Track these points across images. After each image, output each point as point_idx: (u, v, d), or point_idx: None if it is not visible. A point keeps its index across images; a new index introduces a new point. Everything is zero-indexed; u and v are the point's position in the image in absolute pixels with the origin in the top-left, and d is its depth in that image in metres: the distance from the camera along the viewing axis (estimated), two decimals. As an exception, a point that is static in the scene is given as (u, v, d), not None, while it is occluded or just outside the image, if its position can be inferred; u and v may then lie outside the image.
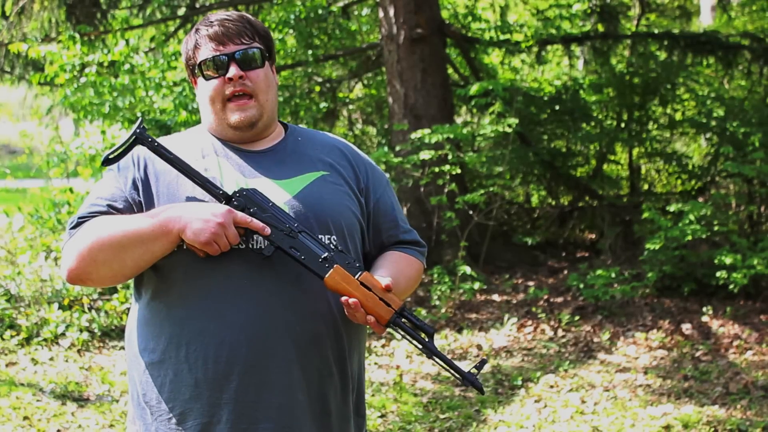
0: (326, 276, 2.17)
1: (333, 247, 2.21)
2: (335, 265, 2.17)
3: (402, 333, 2.19)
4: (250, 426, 2.23)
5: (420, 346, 2.20)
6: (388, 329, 2.22)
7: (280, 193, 2.28)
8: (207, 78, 2.28)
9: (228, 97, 2.28)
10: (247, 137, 2.34)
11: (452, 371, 2.21)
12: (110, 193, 2.27)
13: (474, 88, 8.38)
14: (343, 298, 2.16)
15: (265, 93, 2.32)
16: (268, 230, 2.16)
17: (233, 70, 2.25)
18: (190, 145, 2.35)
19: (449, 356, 6.69)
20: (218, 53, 2.26)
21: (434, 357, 2.20)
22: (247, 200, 2.19)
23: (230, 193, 2.20)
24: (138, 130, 2.23)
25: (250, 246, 2.20)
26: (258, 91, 2.30)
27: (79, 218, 2.24)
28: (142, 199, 2.26)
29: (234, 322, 2.20)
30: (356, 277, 2.17)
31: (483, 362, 2.20)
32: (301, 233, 2.19)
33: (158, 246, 2.16)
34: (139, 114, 8.17)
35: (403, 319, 2.19)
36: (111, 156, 2.25)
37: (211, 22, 2.29)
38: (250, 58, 2.28)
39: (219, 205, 2.16)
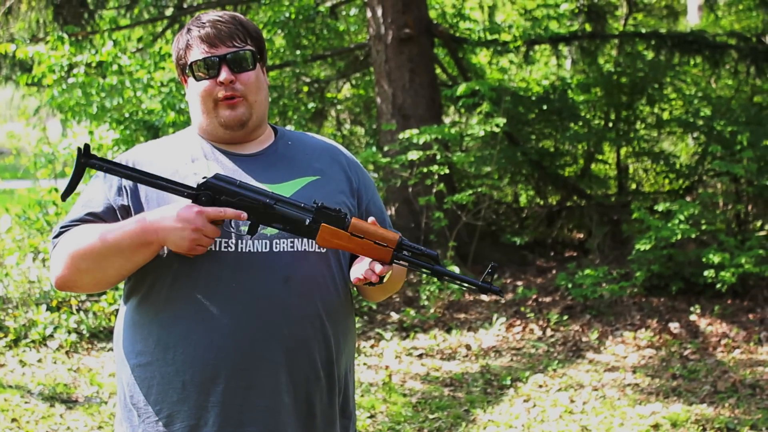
0: (316, 239, 2.17)
1: (314, 206, 2.17)
2: (321, 225, 2.15)
3: (406, 264, 2.19)
4: (236, 429, 2.23)
5: (427, 272, 2.19)
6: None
7: None
8: (198, 79, 2.28)
9: (219, 98, 2.28)
10: (237, 137, 2.34)
11: (466, 285, 2.22)
12: (94, 201, 2.27)
13: (461, 89, 8.39)
14: (362, 275, 2.17)
15: (255, 94, 2.32)
16: (244, 215, 2.14)
17: (224, 73, 2.25)
18: (179, 149, 2.35)
19: (437, 357, 6.71)
20: (209, 55, 2.26)
21: (444, 277, 2.20)
22: (213, 191, 2.16)
23: (195, 187, 2.16)
24: (83, 161, 2.15)
25: (232, 229, 2.21)
26: (248, 93, 2.30)
27: (61, 228, 2.25)
28: (129, 203, 2.26)
29: (221, 325, 2.21)
30: (346, 228, 2.16)
31: (494, 268, 2.18)
32: (278, 203, 2.18)
33: (140, 256, 2.17)
34: (126, 114, 8.15)
35: (404, 252, 2.18)
36: (66, 191, 2.20)
37: (203, 22, 2.29)
38: (242, 60, 2.27)
39: (188, 208, 2.12)
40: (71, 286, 2.27)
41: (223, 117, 2.29)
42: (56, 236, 2.25)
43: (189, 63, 2.28)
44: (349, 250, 2.17)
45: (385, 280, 2.18)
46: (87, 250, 2.16)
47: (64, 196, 2.19)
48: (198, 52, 2.27)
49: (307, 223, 2.16)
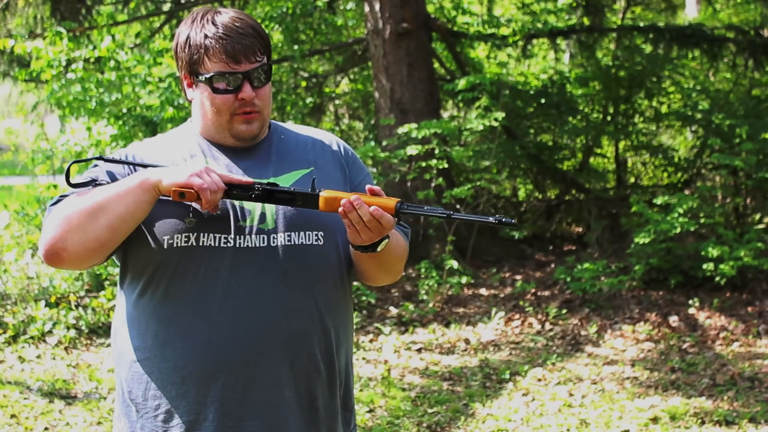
0: (319, 198, 2.17)
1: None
2: (320, 195, 2.17)
3: (413, 215, 2.19)
4: (236, 424, 2.23)
5: (437, 216, 2.18)
6: None
7: None
8: (216, 91, 2.25)
9: (236, 112, 2.27)
10: (244, 146, 2.35)
11: (479, 220, 2.19)
12: (94, 174, 2.26)
13: (462, 83, 8.38)
14: (342, 204, 2.14)
15: (268, 107, 2.32)
16: (249, 179, 2.17)
17: (248, 91, 2.23)
18: (177, 147, 2.34)
19: (436, 351, 6.72)
20: (233, 71, 2.22)
21: (455, 218, 2.19)
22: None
23: None
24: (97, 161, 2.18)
25: (243, 221, 2.23)
26: (264, 107, 2.30)
27: (60, 196, 2.22)
28: None
29: (220, 320, 2.21)
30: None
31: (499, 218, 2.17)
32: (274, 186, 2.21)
33: (131, 198, 2.12)
34: (125, 109, 8.13)
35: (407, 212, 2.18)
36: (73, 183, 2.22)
37: (223, 32, 2.23)
38: (262, 76, 2.27)
39: (197, 164, 2.16)
40: (58, 250, 2.15)
41: (238, 130, 2.29)
42: (54, 203, 2.21)
43: (210, 75, 2.24)
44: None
45: (380, 248, 2.19)
46: (83, 204, 2.13)
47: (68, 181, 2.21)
48: (219, 64, 2.23)
49: (309, 190, 2.18)
